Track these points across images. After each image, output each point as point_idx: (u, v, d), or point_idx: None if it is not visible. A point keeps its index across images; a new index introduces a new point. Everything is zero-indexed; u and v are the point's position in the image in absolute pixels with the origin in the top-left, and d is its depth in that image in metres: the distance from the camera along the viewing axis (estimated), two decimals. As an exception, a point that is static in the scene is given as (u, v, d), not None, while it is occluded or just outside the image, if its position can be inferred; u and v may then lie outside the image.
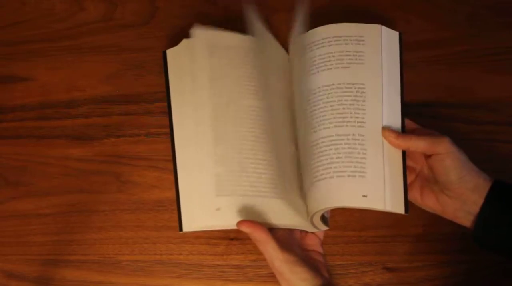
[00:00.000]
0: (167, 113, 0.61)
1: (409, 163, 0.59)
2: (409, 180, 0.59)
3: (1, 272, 0.66)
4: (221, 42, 0.62)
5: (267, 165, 0.60)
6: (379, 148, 0.57)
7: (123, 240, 0.66)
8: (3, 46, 0.71)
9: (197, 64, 0.61)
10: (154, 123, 0.68)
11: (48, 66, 0.70)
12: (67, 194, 0.67)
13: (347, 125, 0.57)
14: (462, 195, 0.55)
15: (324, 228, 0.60)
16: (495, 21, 0.68)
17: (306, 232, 0.61)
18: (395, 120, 0.58)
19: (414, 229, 0.64)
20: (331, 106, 0.58)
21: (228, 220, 0.58)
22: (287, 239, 0.58)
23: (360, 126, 0.57)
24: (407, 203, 0.56)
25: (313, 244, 0.61)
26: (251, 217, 0.58)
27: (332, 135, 0.58)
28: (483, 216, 0.54)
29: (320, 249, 0.61)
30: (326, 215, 0.60)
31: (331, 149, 0.57)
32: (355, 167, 0.56)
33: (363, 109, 0.58)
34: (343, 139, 0.57)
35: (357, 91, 0.58)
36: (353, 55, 0.59)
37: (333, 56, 0.60)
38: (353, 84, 0.58)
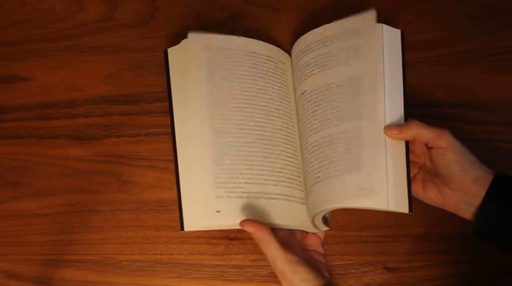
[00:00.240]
0: (167, 113, 0.61)
1: (412, 157, 0.59)
2: (412, 174, 0.59)
3: (1, 272, 0.66)
4: (217, 44, 0.62)
5: (267, 164, 0.60)
6: (381, 147, 0.56)
7: (123, 240, 0.66)
8: (3, 46, 0.71)
9: (198, 63, 0.61)
10: (154, 123, 0.68)
11: (48, 66, 0.70)
12: (67, 194, 0.67)
13: (347, 123, 0.57)
14: (463, 187, 0.55)
15: (325, 228, 0.60)
16: (495, 21, 0.68)
17: (307, 232, 0.61)
18: (398, 120, 0.57)
19: (414, 229, 0.64)
20: (331, 106, 0.58)
21: (229, 220, 0.58)
22: (288, 239, 0.58)
23: (361, 123, 0.57)
24: (411, 202, 0.56)
25: (314, 244, 0.61)
26: (252, 217, 0.58)
27: (333, 134, 0.57)
28: (484, 207, 0.55)
29: (320, 249, 0.61)
30: (326, 215, 0.60)
31: (331, 148, 0.57)
32: (356, 167, 0.56)
33: (361, 106, 0.57)
34: (344, 138, 0.57)
35: (356, 86, 0.58)
36: (351, 50, 0.59)
37: (332, 55, 0.60)
38: (351, 78, 0.58)
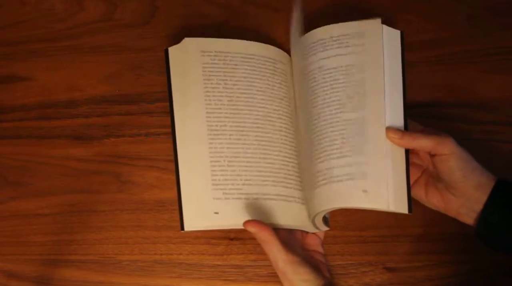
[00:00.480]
0: (167, 113, 0.61)
1: (416, 160, 0.60)
2: (415, 177, 0.60)
3: (1, 272, 0.66)
4: (213, 48, 0.62)
5: (266, 165, 0.60)
6: (382, 147, 0.56)
7: (123, 240, 0.66)
8: (3, 46, 0.71)
9: (195, 67, 0.61)
10: (154, 123, 0.68)
11: (48, 66, 0.70)
12: (67, 194, 0.67)
13: (350, 125, 0.57)
14: (465, 192, 0.55)
15: (325, 228, 0.60)
16: (495, 21, 0.68)
17: (307, 232, 0.61)
18: (398, 121, 0.57)
19: (414, 229, 0.64)
20: (335, 108, 0.58)
21: (228, 221, 0.58)
22: (289, 240, 0.58)
23: (362, 124, 0.57)
24: (411, 203, 0.56)
25: (314, 244, 0.61)
26: (252, 217, 0.58)
27: (337, 139, 0.57)
28: (486, 213, 0.55)
29: (320, 249, 0.61)
30: (327, 215, 0.60)
31: (334, 152, 0.57)
32: (358, 168, 0.56)
33: (363, 109, 0.58)
34: (347, 141, 0.57)
35: (358, 91, 0.58)
36: (355, 54, 0.59)
37: (335, 58, 0.60)
38: (355, 82, 0.58)
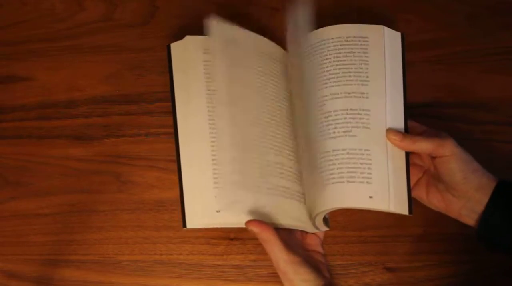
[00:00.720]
0: (167, 113, 0.61)
1: (417, 161, 0.60)
2: (416, 178, 0.60)
3: (1, 272, 0.66)
4: (215, 45, 0.62)
5: (267, 165, 0.60)
6: (383, 149, 0.57)
7: (123, 240, 0.66)
8: (3, 46, 0.71)
9: (196, 64, 0.61)
10: (154, 123, 0.68)
11: (48, 66, 0.70)
12: (67, 194, 0.67)
13: (353, 128, 0.57)
14: (466, 194, 0.55)
15: (325, 228, 0.60)
16: (494, 21, 0.68)
17: (307, 232, 0.61)
18: (399, 122, 0.58)
19: (414, 229, 0.64)
20: (341, 112, 0.58)
21: (230, 219, 0.58)
22: (289, 240, 0.58)
23: (365, 127, 0.57)
24: (411, 204, 0.56)
25: (314, 244, 0.61)
26: (253, 216, 0.58)
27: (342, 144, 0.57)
28: (487, 214, 0.55)
29: (320, 249, 0.61)
30: (327, 216, 0.60)
31: (337, 154, 0.57)
32: (359, 168, 0.56)
33: (368, 111, 0.58)
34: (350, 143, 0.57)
35: (361, 95, 0.58)
36: (359, 58, 0.59)
37: (339, 59, 0.60)
38: (359, 89, 0.58)
